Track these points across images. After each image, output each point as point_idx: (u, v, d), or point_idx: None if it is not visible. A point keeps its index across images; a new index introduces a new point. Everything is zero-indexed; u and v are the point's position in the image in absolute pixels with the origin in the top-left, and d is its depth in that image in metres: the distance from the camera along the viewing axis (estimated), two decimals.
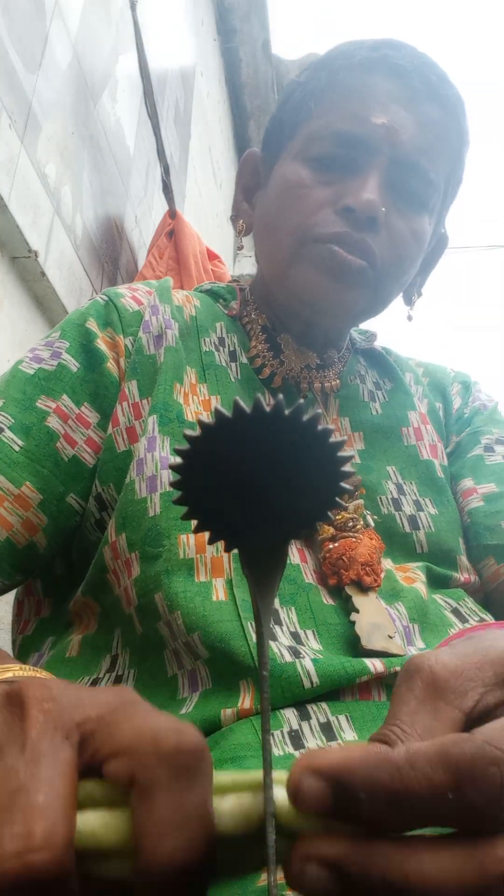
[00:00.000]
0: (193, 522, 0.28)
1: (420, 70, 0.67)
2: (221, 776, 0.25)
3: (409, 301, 0.78)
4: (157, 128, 1.79)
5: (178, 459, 0.26)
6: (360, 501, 0.65)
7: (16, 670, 0.40)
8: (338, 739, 0.49)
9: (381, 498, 0.68)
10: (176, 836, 0.23)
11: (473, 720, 0.26)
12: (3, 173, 1.04)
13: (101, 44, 1.51)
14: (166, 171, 1.83)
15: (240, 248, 0.80)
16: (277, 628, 0.54)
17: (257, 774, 0.25)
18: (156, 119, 1.77)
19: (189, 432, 0.26)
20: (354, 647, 0.55)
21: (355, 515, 0.63)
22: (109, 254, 1.56)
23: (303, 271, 0.65)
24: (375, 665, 0.52)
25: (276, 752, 0.48)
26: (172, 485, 0.27)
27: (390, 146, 0.64)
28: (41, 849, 0.22)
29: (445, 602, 0.64)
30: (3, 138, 1.04)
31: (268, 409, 0.25)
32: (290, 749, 0.48)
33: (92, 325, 0.68)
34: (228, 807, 0.24)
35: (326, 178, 0.66)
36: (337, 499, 0.27)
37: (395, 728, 0.25)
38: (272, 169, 0.72)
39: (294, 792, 0.23)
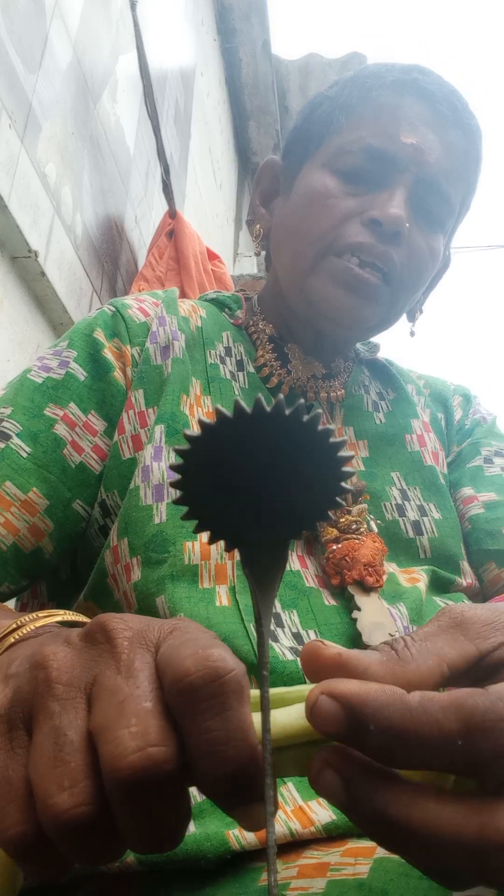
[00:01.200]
0: (194, 522, 0.28)
1: (448, 97, 0.69)
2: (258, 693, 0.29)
3: (411, 318, 0.80)
4: (157, 128, 1.79)
5: (179, 460, 0.26)
6: (364, 506, 0.66)
7: (62, 615, 0.42)
8: None
9: (385, 504, 0.70)
10: (220, 750, 0.25)
11: (486, 668, 0.27)
12: (3, 173, 1.04)
13: (101, 44, 1.51)
14: (166, 171, 1.83)
15: (257, 253, 0.81)
16: (279, 630, 0.55)
17: (288, 691, 0.29)
18: (156, 119, 1.77)
19: (189, 432, 0.26)
20: (356, 644, 0.56)
21: (359, 519, 0.64)
22: (109, 254, 1.56)
23: (321, 283, 0.67)
24: None
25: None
26: (173, 485, 0.27)
27: (417, 165, 0.66)
28: (159, 743, 0.25)
29: (444, 604, 0.65)
30: (3, 138, 1.04)
31: (268, 409, 0.25)
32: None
33: (99, 335, 0.70)
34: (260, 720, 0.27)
35: (353, 190, 0.68)
36: (337, 499, 0.27)
37: (406, 637, 0.27)
38: (295, 177, 0.73)
39: (310, 708, 0.25)
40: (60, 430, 0.64)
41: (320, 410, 0.31)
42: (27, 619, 0.40)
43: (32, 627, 0.38)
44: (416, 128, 0.67)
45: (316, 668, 0.27)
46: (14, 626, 0.39)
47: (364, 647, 0.55)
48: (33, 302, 1.22)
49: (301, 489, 0.27)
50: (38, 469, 0.62)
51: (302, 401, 0.25)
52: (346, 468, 0.26)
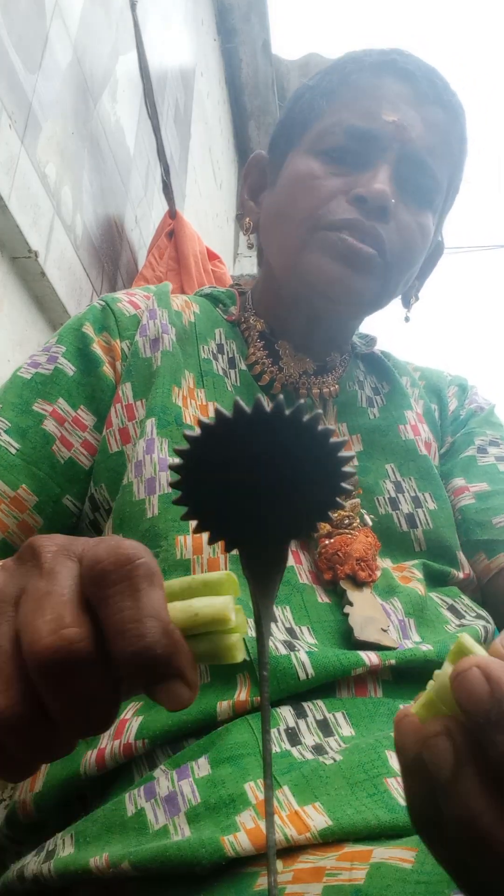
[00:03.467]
0: (193, 523, 0.28)
1: (427, 76, 0.69)
2: (175, 583, 0.31)
3: (407, 303, 0.79)
4: (157, 128, 1.78)
5: (178, 460, 0.26)
6: (357, 500, 0.66)
7: None
8: (335, 735, 0.49)
9: (378, 499, 0.69)
10: (132, 628, 0.27)
11: None
12: (3, 173, 1.04)
13: (101, 44, 1.51)
14: (166, 171, 1.83)
15: (249, 245, 0.81)
16: (273, 627, 0.55)
17: (206, 576, 0.31)
18: (156, 119, 1.77)
19: (189, 433, 0.26)
20: (348, 640, 0.56)
21: (352, 513, 0.64)
22: (109, 254, 1.56)
23: (314, 258, 0.66)
24: (370, 657, 0.53)
25: (274, 749, 0.48)
26: (172, 485, 0.27)
27: (400, 142, 0.66)
28: (72, 625, 0.27)
29: (442, 600, 0.65)
30: (3, 138, 1.04)
31: (268, 409, 0.25)
32: (286, 746, 0.48)
33: (88, 329, 0.70)
34: (180, 607, 0.30)
35: (338, 171, 0.67)
36: (337, 499, 0.27)
37: None
38: (280, 168, 0.73)
39: (458, 674, 0.25)
40: (49, 426, 0.64)
41: (320, 410, 0.31)
42: None
43: None
44: (396, 106, 0.67)
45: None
46: None
47: (356, 642, 0.55)
48: (33, 302, 1.22)
49: (301, 489, 0.27)
50: (27, 466, 0.62)
51: (302, 401, 0.25)
52: (347, 468, 0.26)
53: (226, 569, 0.57)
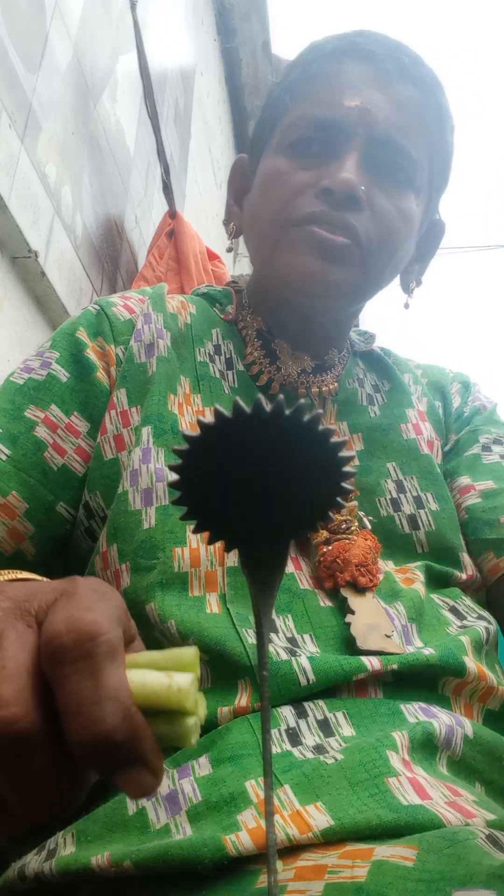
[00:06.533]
0: (183, 528, 0.28)
1: (391, 53, 0.67)
2: (138, 657, 0.29)
3: (406, 289, 0.78)
4: (157, 128, 1.78)
5: (178, 460, 0.26)
6: (355, 503, 0.65)
7: (8, 576, 0.42)
8: (335, 735, 0.49)
9: (379, 500, 0.68)
10: (90, 711, 0.25)
11: None
12: (3, 173, 1.04)
13: (101, 44, 1.51)
14: (166, 171, 1.83)
15: (228, 249, 0.80)
16: (273, 635, 0.54)
17: (172, 653, 0.29)
18: (156, 119, 1.77)
19: (188, 432, 0.25)
20: (351, 647, 0.55)
21: (349, 517, 0.63)
22: (109, 254, 1.56)
23: (287, 255, 0.65)
24: (372, 662, 0.53)
25: (274, 749, 0.48)
26: (171, 485, 0.27)
27: (365, 126, 0.65)
28: (10, 705, 0.25)
29: (443, 601, 0.65)
30: (3, 138, 1.04)
31: (268, 409, 0.25)
32: (287, 746, 0.48)
33: (82, 334, 0.69)
34: (138, 679, 0.27)
35: (305, 164, 0.66)
36: (338, 499, 0.27)
37: None
38: (256, 168, 0.72)
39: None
40: (41, 432, 0.63)
41: (321, 410, 0.31)
42: None
43: None
44: (359, 90, 0.66)
45: None
46: None
47: (359, 651, 0.54)
48: (33, 302, 1.22)
49: (301, 489, 0.27)
50: (18, 472, 0.61)
51: (302, 401, 0.25)
52: (347, 468, 0.26)
53: (223, 583, 0.56)
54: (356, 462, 0.70)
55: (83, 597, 0.28)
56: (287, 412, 0.25)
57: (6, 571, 0.43)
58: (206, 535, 0.28)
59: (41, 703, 0.26)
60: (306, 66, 0.69)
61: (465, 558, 0.69)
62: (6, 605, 0.28)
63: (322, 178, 0.64)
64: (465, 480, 0.74)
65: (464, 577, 0.68)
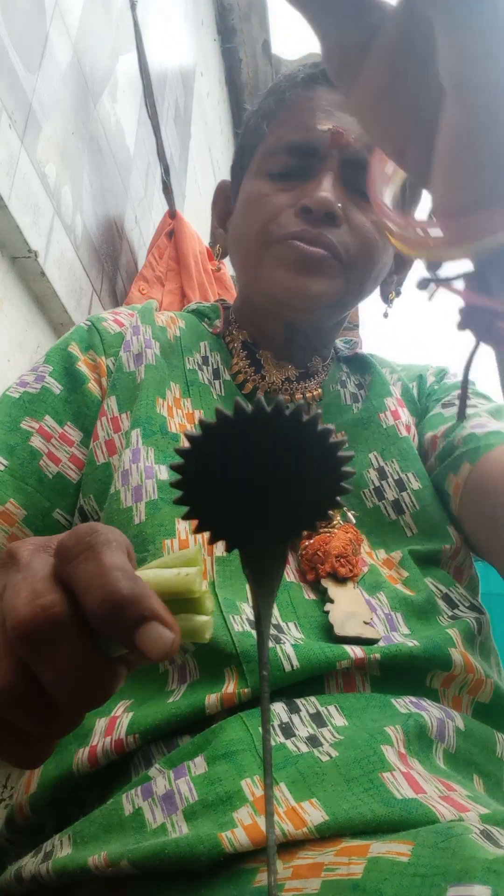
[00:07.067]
0: (193, 522, 0.28)
1: None
2: (149, 564, 0.34)
3: (385, 299, 0.82)
4: (157, 128, 1.79)
5: (179, 460, 0.26)
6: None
7: None
8: (328, 726, 0.50)
9: (364, 492, 0.71)
10: (99, 582, 0.29)
11: None
12: (3, 173, 1.04)
13: (101, 44, 1.51)
14: (166, 171, 1.83)
15: (217, 269, 0.87)
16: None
17: (178, 553, 0.34)
18: (156, 119, 1.77)
19: (190, 432, 0.26)
20: (330, 636, 0.57)
21: (332, 512, 0.65)
22: (109, 254, 1.56)
23: (270, 270, 0.69)
24: (355, 651, 0.54)
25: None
26: (173, 484, 0.27)
27: (339, 149, 0.69)
28: (45, 595, 0.30)
29: (437, 587, 0.66)
30: (3, 138, 1.04)
31: (268, 409, 0.25)
32: (281, 739, 0.49)
33: (74, 349, 0.73)
34: (151, 575, 0.33)
35: (284, 186, 0.71)
36: (337, 498, 0.27)
37: None
38: (237, 192, 0.77)
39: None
40: (36, 442, 0.66)
41: (320, 410, 0.31)
42: None
43: None
44: (329, 113, 0.70)
45: None
46: None
47: (336, 638, 0.56)
48: (33, 302, 1.22)
49: (301, 489, 0.27)
50: (15, 480, 0.64)
51: (302, 401, 0.26)
52: (346, 468, 0.26)
53: (212, 570, 0.59)
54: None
55: (91, 530, 0.32)
56: (287, 412, 0.25)
57: None
58: (194, 524, 0.28)
59: (69, 598, 0.30)
60: (280, 94, 0.74)
61: (453, 531, 0.71)
62: (30, 548, 0.34)
63: (300, 197, 0.69)
64: (429, 436, 0.76)
65: (452, 549, 0.69)
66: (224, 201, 0.83)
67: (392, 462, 0.72)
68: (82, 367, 0.72)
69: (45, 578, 0.31)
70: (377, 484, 0.71)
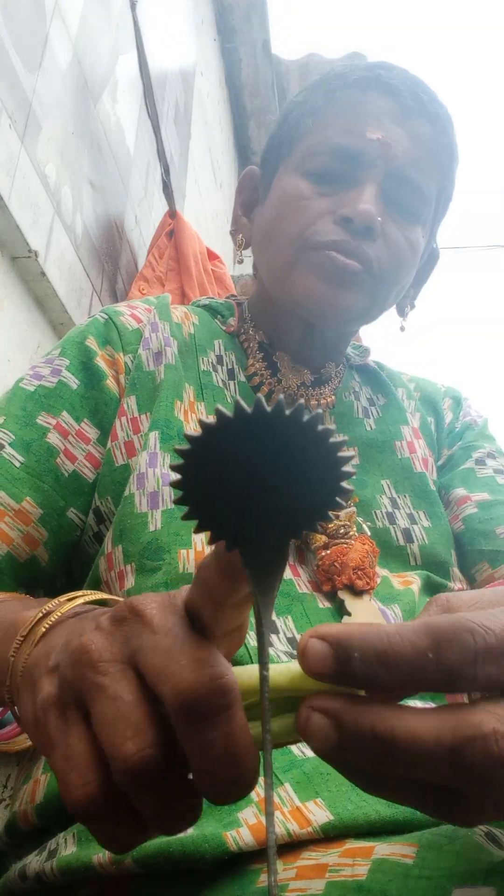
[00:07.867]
0: (188, 531, 0.28)
1: (412, 89, 0.69)
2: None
3: (402, 312, 0.81)
4: (157, 128, 1.79)
5: (179, 459, 0.26)
6: (353, 509, 0.67)
7: (82, 595, 0.43)
8: None
9: (375, 512, 0.70)
10: (223, 772, 0.27)
11: None
12: (3, 173, 1.04)
13: (101, 44, 1.51)
14: (166, 171, 1.83)
15: (239, 261, 0.82)
16: (274, 637, 0.55)
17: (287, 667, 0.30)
18: (156, 119, 1.77)
19: (190, 432, 0.26)
20: None
21: (348, 523, 0.65)
22: (109, 254, 1.56)
23: (303, 277, 0.67)
24: None
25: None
26: (173, 484, 0.27)
27: (385, 160, 0.67)
28: (141, 747, 0.27)
29: None
30: (3, 138, 1.04)
31: (269, 409, 0.25)
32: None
33: (91, 343, 0.70)
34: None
35: (324, 190, 0.68)
36: (337, 498, 0.27)
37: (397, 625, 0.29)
38: (270, 185, 0.74)
39: (301, 652, 0.26)
40: (53, 438, 0.64)
41: (320, 410, 0.31)
42: (53, 605, 0.41)
43: (60, 613, 0.40)
44: (381, 122, 0.68)
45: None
46: (41, 614, 0.40)
47: None
48: (33, 302, 1.22)
49: (301, 489, 0.27)
50: (31, 478, 0.62)
51: (302, 401, 0.26)
52: (346, 468, 0.26)
53: None
54: (354, 467, 0.72)
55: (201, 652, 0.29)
56: (287, 412, 0.25)
57: (70, 596, 0.44)
58: (208, 535, 0.28)
59: (162, 739, 0.28)
60: (330, 93, 0.71)
61: (456, 572, 0.71)
62: (155, 605, 0.30)
63: (340, 205, 0.67)
64: (461, 492, 0.76)
65: (455, 588, 0.69)
66: (251, 189, 0.79)
67: (405, 497, 0.72)
68: (100, 362, 0.69)
69: (136, 720, 0.28)
70: (389, 509, 0.70)
